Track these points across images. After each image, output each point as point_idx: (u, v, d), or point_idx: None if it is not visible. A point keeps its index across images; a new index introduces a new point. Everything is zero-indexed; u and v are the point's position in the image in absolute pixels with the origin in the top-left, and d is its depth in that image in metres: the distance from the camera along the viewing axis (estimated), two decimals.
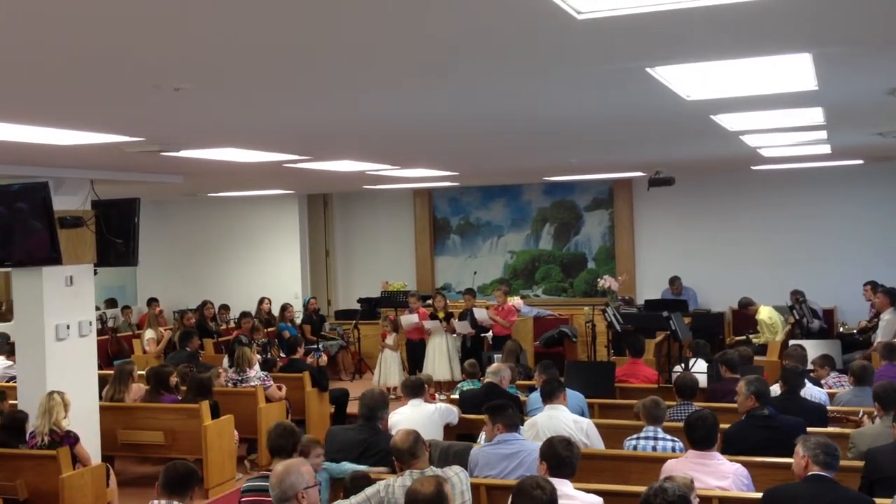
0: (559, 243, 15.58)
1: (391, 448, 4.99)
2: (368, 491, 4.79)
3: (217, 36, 3.19)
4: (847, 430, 6.38)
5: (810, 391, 7.19)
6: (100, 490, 7.13)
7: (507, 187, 15.60)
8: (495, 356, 9.82)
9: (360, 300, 14.90)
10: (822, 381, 8.10)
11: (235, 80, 4.10)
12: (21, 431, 7.08)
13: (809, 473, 4.49)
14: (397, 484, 4.72)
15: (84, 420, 7.67)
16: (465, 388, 8.26)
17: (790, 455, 4.90)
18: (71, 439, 7.00)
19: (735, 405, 6.73)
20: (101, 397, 8.42)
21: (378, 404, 6.05)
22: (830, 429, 6.61)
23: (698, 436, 5.20)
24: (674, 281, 14.19)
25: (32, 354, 7.67)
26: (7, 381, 9.81)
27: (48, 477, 6.78)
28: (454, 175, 11.86)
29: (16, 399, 7.90)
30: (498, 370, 7.58)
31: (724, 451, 5.32)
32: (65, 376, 7.63)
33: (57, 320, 7.71)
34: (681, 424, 6.27)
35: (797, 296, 12.17)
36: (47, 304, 7.63)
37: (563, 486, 4.42)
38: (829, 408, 6.99)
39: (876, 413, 6.09)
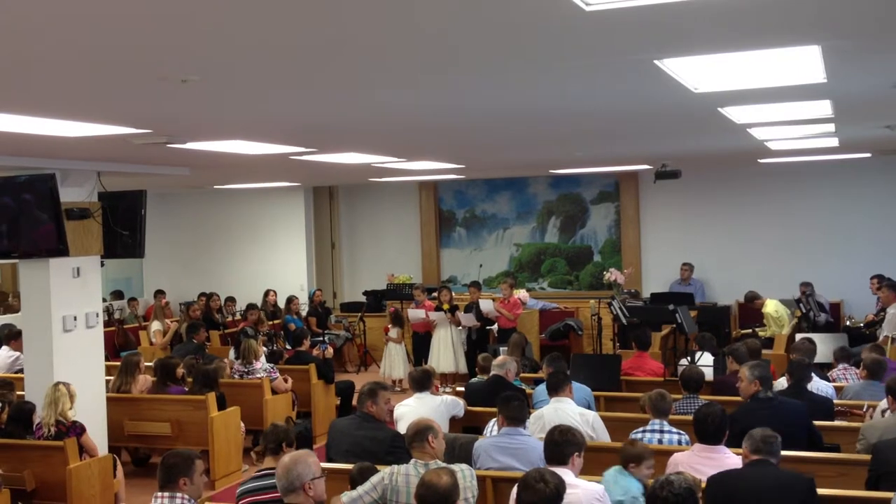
0: (565, 236, 15.56)
1: None
2: (374, 479, 4.82)
3: (224, 29, 3.19)
4: (855, 424, 6.36)
5: (816, 384, 7.17)
6: (107, 481, 7.15)
7: (512, 180, 15.58)
8: (501, 349, 9.82)
9: (365, 293, 14.91)
10: (829, 374, 8.09)
11: (242, 72, 4.10)
12: (28, 422, 7.10)
13: (749, 460, 4.64)
14: (400, 472, 4.76)
15: (91, 411, 7.70)
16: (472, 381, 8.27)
17: (792, 438, 4.91)
18: (77, 430, 7.01)
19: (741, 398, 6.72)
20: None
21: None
22: (837, 422, 6.60)
23: (709, 431, 5.18)
24: (685, 265, 14.13)
25: (39, 345, 7.70)
26: (14, 373, 9.81)
27: (55, 468, 6.79)
28: (460, 168, 11.85)
29: (23, 390, 7.94)
30: (503, 363, 7.58)
31: (729, 431, 5.32)
32: (72, 367, 7.66)
33: (64, 312, 7.74)
34: (687, 417, 6.28)
35: (805, 288, 12.15)
36: (54, 295, 7.65)
37: (564, 476, 4.42)
38: (835, 401, 6.98)
39: (888, 406, 6.06)
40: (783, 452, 4.82)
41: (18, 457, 6.89)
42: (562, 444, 4.68)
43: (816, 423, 6.17)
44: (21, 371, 9.53)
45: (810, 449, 5.86)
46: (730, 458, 5.13)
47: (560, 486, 4.07)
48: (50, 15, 2.89)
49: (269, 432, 5.36)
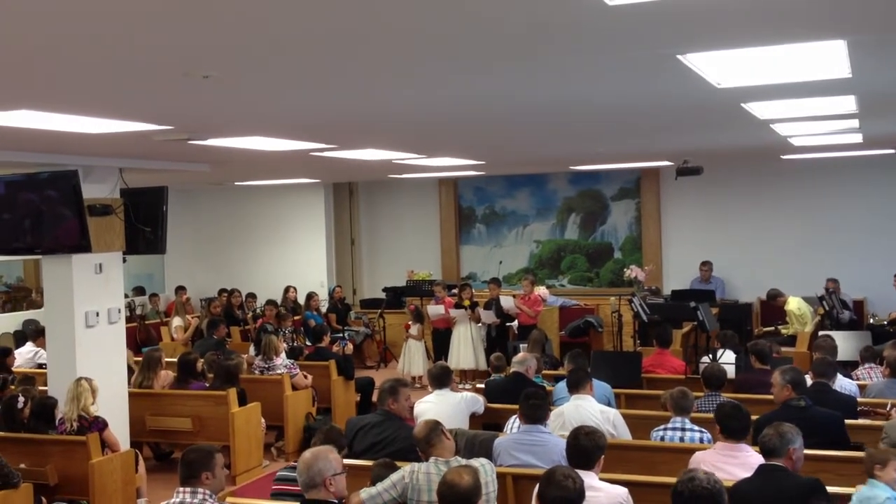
0: (585, 233, 15.50)
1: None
2: (394, 477, 4.80)
3: (246, 25, 3.19)
4: (878, 423, 6.30)
5: (840, 383, 7.11)
6: (129, 475, 7.19)
7: (532, 176, 15.52)
8: (521, 346, 9.80)
9: (385, 289, 14.92)
10: (853, 373, 8.02)
11: (264, 69, 4.10)
12: (50, 417, 7.15)
13: (760, 464, 4.58)
14: (421, 471, 4.74)
15: (113, 406, 7.75)
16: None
17: (821, 447, 4.84)
18: (99, 425, 7.06)
19: (764, 396, 6.68)
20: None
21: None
22: (861, 421, 6.54)
23: (736, 426, 5.12)
24: (704, 264, 14.06)
25: (62, 341, 7.75)
26: (35, 368, 9.90)
27: (77, 462, 6.84)
28: (480, 164, 11.83)
29: (45, 385, 8.00)
30: (524, 360, 7.55)
31: (755, 439, 5.25)
32: (94, 363, 7.71)
33: (86, 307, 7.79)
34: (709, 415, 6.23)
35: (831, 284, 12.05)
36: (77, 291, 7.70)
37: (588, 478, 4.39)
38: (859, 399, 6.92)
39: None
40: (806, 451, 4.77)
41: (41, 451, 6.95)
42: (590, 448, 4.62)
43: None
44: (42, 366, 9.62)
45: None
46: (753, 457, 5.08)
47: (583, 486, 4.07)
48: (72, 12, 2.90)
49: (329, 430, 5.37)
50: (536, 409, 5.62)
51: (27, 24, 3.04)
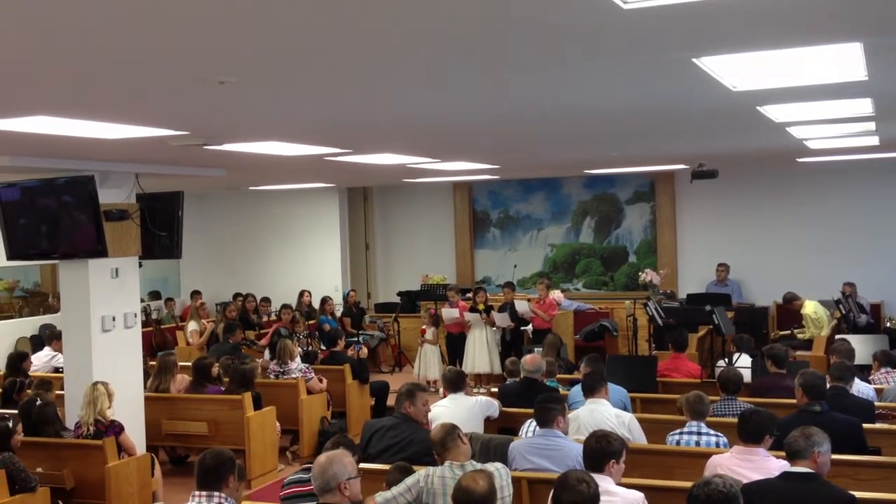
0: (600, 237, 15.48)
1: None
2: (409, 481, 4.81)
3: (261, 31, 3.20)
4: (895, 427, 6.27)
5: (857, 387, 7.07)
6: (145, 479, 7.22)
7: (547, 180, 15.51)
8: (535, 349, 9.77)
9: (399, 293, 14.93)
10: (871, 378, 7.96)
11: (279, 74, 4.12)
12: (55, 422, 7.17)
13: (785, 471, 4.52)
14: (436, 475, 4.74)
15: (129, 410, 7.78)
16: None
17: (839, 452, 4.80)
18: (115, 429, 7.09)
19: (780, 400, 6.66)
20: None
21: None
22: (878, 425, 6.50)
23: (749, 429, 5.11)
24: (721, 265, 13.98)
25: (79, 345, 7.79)
26: (52, 372, 9.95)
27: (94, 466, 6.88)
28: (495, 168, 11.83)
29: (62, 389, 8.05)
30: (539, 367, 7.48)
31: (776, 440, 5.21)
32: (110, 367, 7.75)
33: (103, 312, 7.83)
34: (724, 420, 6.20)
35: (848, 288, 11.98)
36: (93, 296, 7.74)
37: (604, 483, 4.37)
38: (877, 404, 6.87)
39: None
40: None
41: (58, 455, 6.99)
42: (597, 451, 4.60)
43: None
44: (58, 370, 9.68)
45: None
46: (770, 462, 5.05)
47: (597, 489, 4.05)
48: (88, 17, 2.91)
49: (341, 439, 5.37)
50: (543, 412, 5.62)
51: (43, 31, 3.06)
